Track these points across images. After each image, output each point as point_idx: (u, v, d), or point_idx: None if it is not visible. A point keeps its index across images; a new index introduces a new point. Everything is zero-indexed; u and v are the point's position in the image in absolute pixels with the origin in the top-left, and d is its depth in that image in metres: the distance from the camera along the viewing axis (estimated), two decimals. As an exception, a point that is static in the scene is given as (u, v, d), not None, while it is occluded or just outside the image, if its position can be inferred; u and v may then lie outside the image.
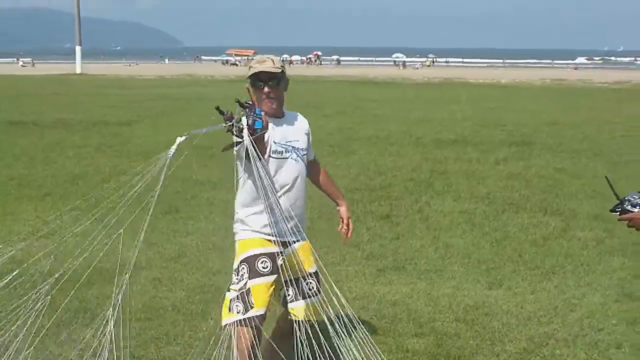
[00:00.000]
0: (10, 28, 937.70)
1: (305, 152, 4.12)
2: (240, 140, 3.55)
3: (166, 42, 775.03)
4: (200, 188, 10.56)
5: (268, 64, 3.94)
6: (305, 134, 4.17)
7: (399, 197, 10.20)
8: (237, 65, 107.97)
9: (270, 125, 3.80)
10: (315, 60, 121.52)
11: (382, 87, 41.47)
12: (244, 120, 3.53)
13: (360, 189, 10.77)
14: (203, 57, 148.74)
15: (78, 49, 67.70)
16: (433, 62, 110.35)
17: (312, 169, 4.31)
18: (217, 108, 3.51)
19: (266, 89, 3.93)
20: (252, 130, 3.53)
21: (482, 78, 52.66)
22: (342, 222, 4.32)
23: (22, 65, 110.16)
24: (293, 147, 4.03)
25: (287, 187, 3.99)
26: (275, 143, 3.94)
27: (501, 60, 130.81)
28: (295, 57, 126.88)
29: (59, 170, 11.98)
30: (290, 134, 4.05)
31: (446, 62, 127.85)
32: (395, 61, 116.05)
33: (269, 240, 3.88)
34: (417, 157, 13.85)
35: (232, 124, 3.52)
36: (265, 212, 3.80)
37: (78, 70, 64.90)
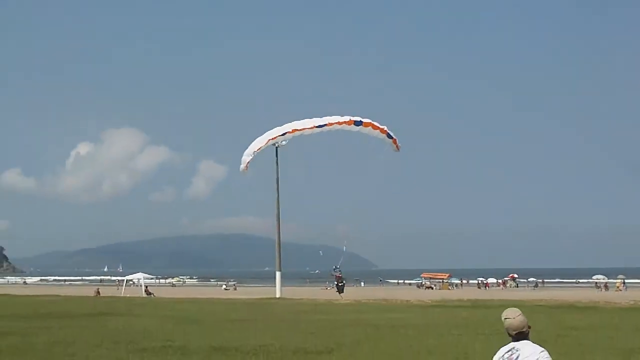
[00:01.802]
0: (211, 253, 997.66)
1: None
2: None
3: (361, 265, 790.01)
4: None
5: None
6: None
7: None
8: (432, 288, 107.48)
9: None
10: (510, 283, 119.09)
11: (584, 312, 39.55)
12: None
13: None
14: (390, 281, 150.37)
15: (278, 274, 70.37)
16: (623, 284, 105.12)
17: None
18: None
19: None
20: None
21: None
22: None
23: (224, 289, 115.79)
24: None
25: None
26: None
27: None
28: (491, 280, 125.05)
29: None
30: None
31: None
32: (596, 283, 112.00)
33: None
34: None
35: None
36: None
37: (278, 295, 67.09)
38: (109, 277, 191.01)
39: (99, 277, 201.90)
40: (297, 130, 13.99)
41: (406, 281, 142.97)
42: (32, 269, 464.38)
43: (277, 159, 73.84)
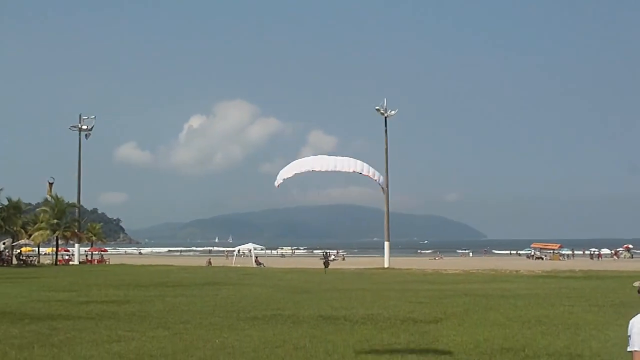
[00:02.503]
0: (318, 223, 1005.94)
1: None
2: None
3: (470, 235, 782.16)
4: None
5: None
6: None
7: None
8: (542, 259, 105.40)
9: None
10: (624, 254, 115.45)
11: None
12: None
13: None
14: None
15: (386, 244, 70.57)
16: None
17: None
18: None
19: None
20: None
21: None
22: None
23: (333, 259, 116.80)
24: None
25: None
26: None
27: None
28: (604, 251, 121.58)
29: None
30: None
31: None
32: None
33: None
34: None
35: None
36: None
37: (386, 265, 67.32)
38: (218, 248, 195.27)
39: (207, 248, 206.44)
40: (315, 170, 14.37)
41: (517, 252, 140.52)
42: (146, 240, 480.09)
43: (385, 129, 73.86)
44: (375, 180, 14.68)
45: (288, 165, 14.81)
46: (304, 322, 18.83)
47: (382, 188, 17.98)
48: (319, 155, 14.71)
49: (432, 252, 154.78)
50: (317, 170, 13.82)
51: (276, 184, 13.95)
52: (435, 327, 17.75)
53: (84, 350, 13.93)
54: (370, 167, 14.43)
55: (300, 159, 14.75)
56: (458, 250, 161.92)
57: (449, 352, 13.73)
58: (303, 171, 14.02)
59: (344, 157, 14.64)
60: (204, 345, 14.59)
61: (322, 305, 24.40)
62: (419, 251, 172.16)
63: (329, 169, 13.86)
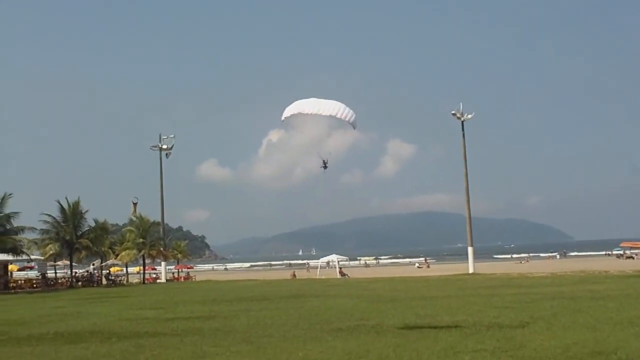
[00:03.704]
0: (401, 231, 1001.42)
1: None
2: None
3: (556, 237, 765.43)
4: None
5: None
6: None
7: None
8: (632, 258, 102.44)
9: None
10: None
11: None
12: None
13: None
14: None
15: (470, 249, 69.75)
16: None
17: None
18: None
19: None
20: None
21: None
22: None
23: (417, 267, 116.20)
24: None
25: None
26: None
27: None
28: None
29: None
30: None
31: None
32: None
33: None
34: None
35: None
36: None
37: (470, 270, 66.49)
38: (299, 261, 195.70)
39: (288, 261, 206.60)
40: (303, 114, 14.92)
41: (607, 252, 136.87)
42: (231, 255, 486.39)
43: (463, 133, 73.07)
44: (347, 121, 15.78)
45: (291, 105, 16.71)
46: (388, 332, 18.67)
47: (353, 126, 18.30)
48: (312, 98, 16.02)
49: (519, 255, 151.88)
50: (305, 113, 15.48)
51: (282, 118, 15.98)
52: (522, 332, 17.35)
53: (171, 366, 14.10)
54: (347, 109, 15.55)
55: (298, 101, 16.47)
56: (541, 254, 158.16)
57: (537, 358, 13.37)
58: (294, 113, 15.92)
59: (329, 101, 15.97)
60: (287, 357, 14.59)
61: (407, 313, 24.17)
62: (510, 255, 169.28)
63: (313, 112, 15.50)
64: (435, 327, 19.04)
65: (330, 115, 15.98)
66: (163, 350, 16.70)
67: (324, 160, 20.73)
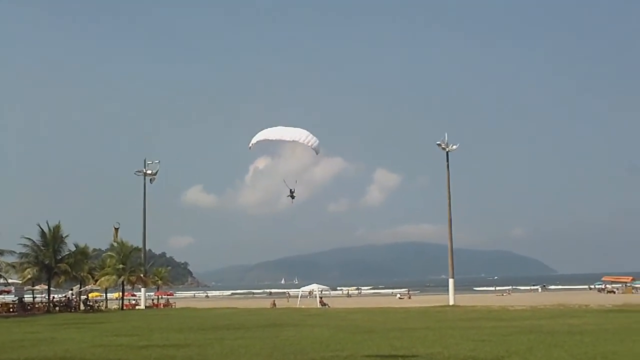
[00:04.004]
0: (386, 261, 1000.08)
1: None
2: None
3: (538, 270, 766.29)
4: None
5: None
6: None
7: None
8: (614, 292, 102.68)
9: None
10: None
11: None
12: None
13: None
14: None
15: (451, 281, 69.75)
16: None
17: None
18: None
19: None
20: None
21: None
22: None
23: (399, 298, 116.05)
24: None
25: None
26: None
27: None
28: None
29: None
30: None
31: None
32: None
33: None
34: None
35: None
36: None
37: (451, 302, 66.35)
38: (279, 290, 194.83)
39: (269, 290, 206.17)
40: (268, 140, 16.97)
41: (589, 286, 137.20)
42: (213, 283, 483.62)
43: (447, 164, 73.20)
44: (310, 147, 17.24)
45: (257, 134, 18.48)
46: (361, 363, 18.49)
47: (316, 152, 19.10)
48: (278, 127, 17.61)
49: (501, 288, 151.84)
50: (270, 139, 17.09)
51: (249, 145, 17.81)
52: (496, 366, 17.23)
53: (136, 395, 13.83)
54: (310, 135, 17.09)
55: (265, 129, 18.13)
56: (520, 287, 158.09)
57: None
58: (260, 139, 17.65)
59: (294, 128, 17.53)
60: (256, 388, 14.36)
61: (383, 345, 24.01)
62: (493, 287, 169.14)
63: (276, 138, 17.14)
64: (408, 360, 18.89)
65: (292, 140, 17.37)
66: (132, 378, 16.44)
67: (290, 190, 21.01)
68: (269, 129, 18.79)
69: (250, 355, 21.34)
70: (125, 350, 24.17)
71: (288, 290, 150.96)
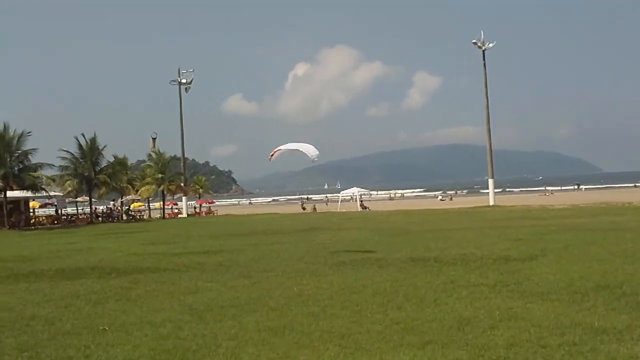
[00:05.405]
0: (429, 164, 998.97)
1: None
2: None
3: (585, 170, 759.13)
4: (602, 338, 8.93)
5: None
6: None
7: None
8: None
9: None
10: None
11: None
12: None
13: None
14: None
15: (491, 181, 68.95)
16: None
17: None
18: None
19: None
20: None
21: None
22: None
23: (440, 200, 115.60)
24: None
25: None
26: None
27: None
28: None
29: (448, 314, 11.15)
30: None
31: None
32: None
33: None
34: None
35: None
36: None
37: (491, 202, 65.75)
38: (319, 196, 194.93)
39: (306, 195, 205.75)
40: (281, 150, 20.54)
41: (634, 184, 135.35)
42: (257, 190, 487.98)
43: (484, 62, 71.46)
44: (309, 156, 19.91)
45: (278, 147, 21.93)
46: (391, 265, 18.10)
47: (312, 160, 20.86)
48: (297, 143, 21.23)
49: (541, 188, 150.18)
50: (282, 150, 19.93)
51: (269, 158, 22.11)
52: (529, 265, 16.69)
53: (157, 303, 13.60)
54: (313, 148, 20.54)
55: (286, 144, 22.06)
56: (562, 187, 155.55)
57: (537, 292, 12.70)
58: (282, 149, 21.43)
59: (302, 143, 21.69)
60: (280, 293, 14.04)
61: (417, 246, 23.64)
62: (540, 187, 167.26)
63: (285, 149, 19.67)
64: (440, 261, 18.45)
65: (296, 149, 20.71)
66: (157, 286, 16.27)
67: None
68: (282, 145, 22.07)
69: (281, 259, 21.12)
70: (158, 257, 24.15)
71: (326, 194, 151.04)
